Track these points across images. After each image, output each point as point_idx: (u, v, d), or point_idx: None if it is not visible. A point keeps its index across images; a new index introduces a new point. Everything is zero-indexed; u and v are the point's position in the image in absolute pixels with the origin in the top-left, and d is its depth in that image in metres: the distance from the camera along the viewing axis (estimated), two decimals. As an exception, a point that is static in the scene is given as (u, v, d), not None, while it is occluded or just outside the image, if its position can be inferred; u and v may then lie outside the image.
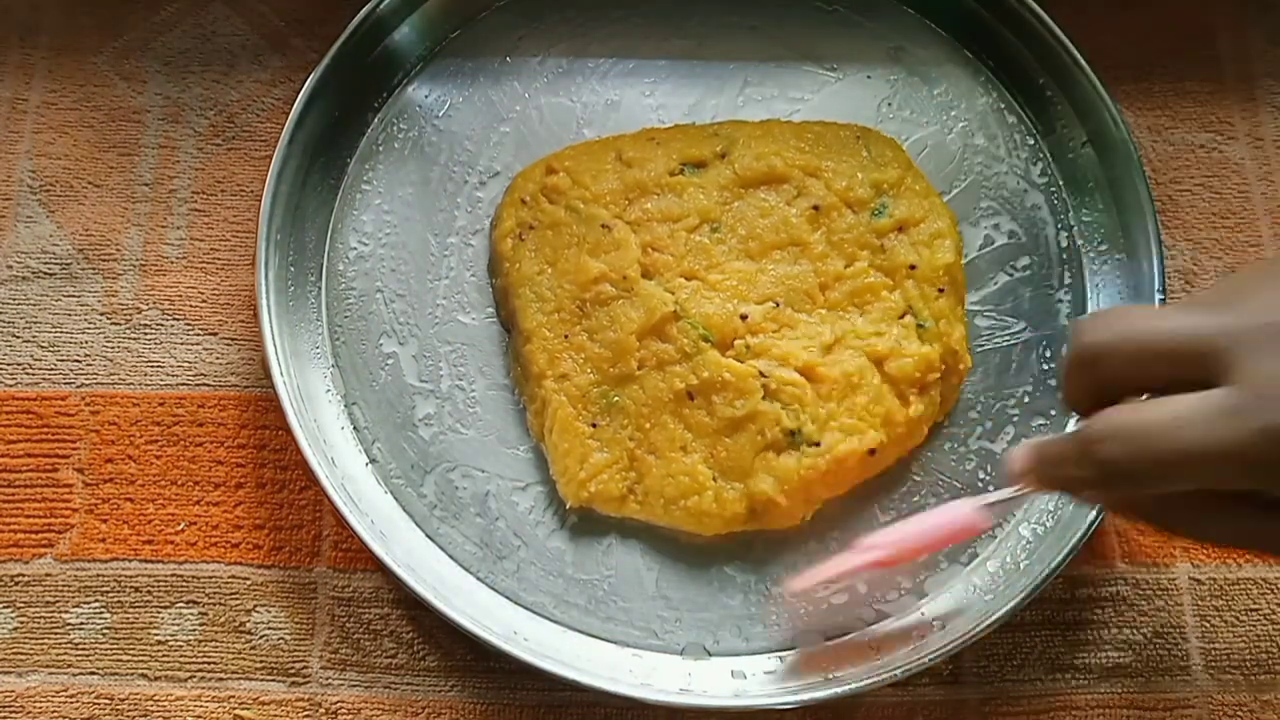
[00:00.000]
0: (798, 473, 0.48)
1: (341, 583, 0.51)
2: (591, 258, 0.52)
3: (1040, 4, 0.56)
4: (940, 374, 0.51)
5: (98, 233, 0.57)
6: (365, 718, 0.49)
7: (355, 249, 0.55)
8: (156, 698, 0.50)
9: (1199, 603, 0.51)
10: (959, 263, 0.54)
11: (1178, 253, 0.57)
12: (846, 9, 0.60)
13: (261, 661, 0.50)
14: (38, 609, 0.51)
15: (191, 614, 0.51)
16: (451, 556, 0.51)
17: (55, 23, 0.61)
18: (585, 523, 0.51)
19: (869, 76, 0.59)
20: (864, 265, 0.52)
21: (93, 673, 0.50)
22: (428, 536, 0.51)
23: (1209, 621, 0.51)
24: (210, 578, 0.52)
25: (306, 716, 0.49)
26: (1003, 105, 0.58)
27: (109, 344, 0.55)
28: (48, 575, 0.52)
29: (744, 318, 0.51)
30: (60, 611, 0.51)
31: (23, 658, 0.50)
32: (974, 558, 0.51)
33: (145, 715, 0.49)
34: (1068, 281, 0.55)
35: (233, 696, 0.50)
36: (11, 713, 0.49)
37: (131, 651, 0.50)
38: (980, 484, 0.52)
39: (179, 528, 0.52)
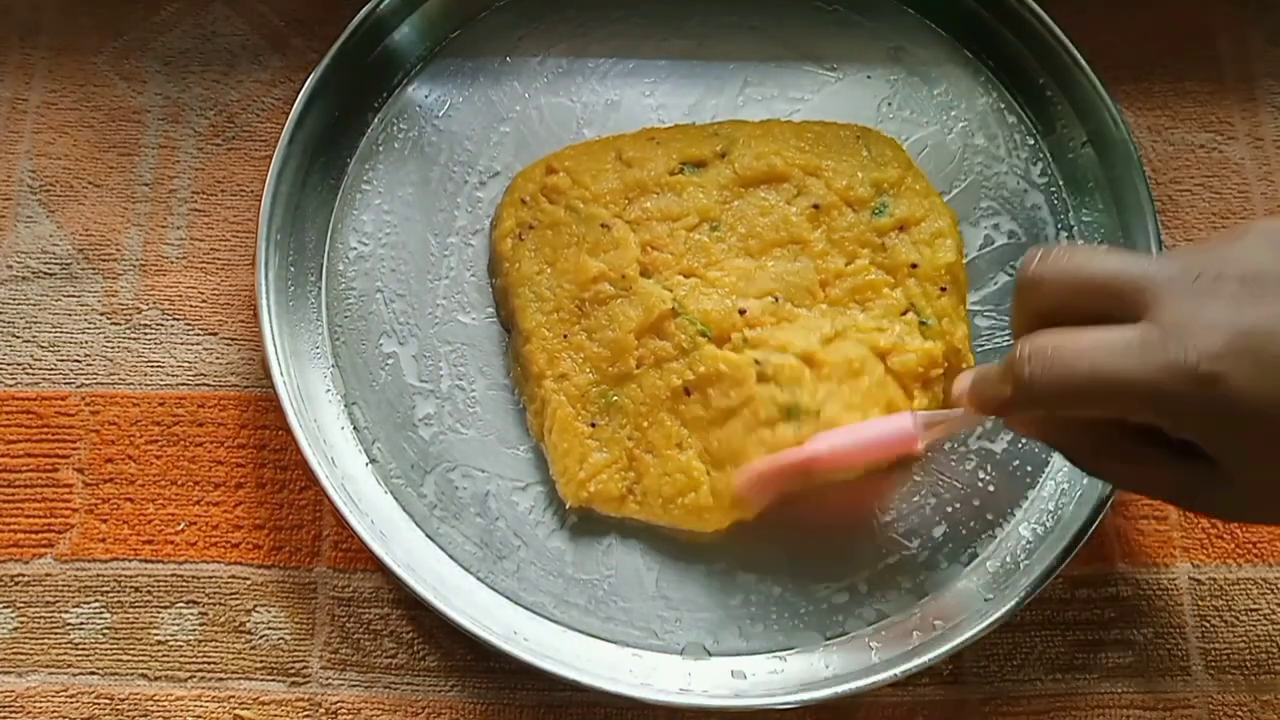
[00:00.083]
0: (796, 440, 0.48)
1: (341, 583, 0.51)
2: (591, 257, 0.52)
3: (1040, 4, 0.56)
4: (943, 372, 0.51)
5: (98, 233, 0.57)
6: (365, 718, 0.49)
7: (355, 249, 0.55)
8: (156, 698, 0.50)
9: (1199, 603, 0.51)
10: (960, 262, 0.53)
11: (1178, 253, 0.57)
12: (846, 9, 0.60)
13: (261, 661, 0.50)
14: (38, 609, 0.51)
15: (191, 614, 0.51)
16: (451, 556, 0.51)
17: (55, 23, 0.61)
18: (585, 523, 0.51)
19: (869, 76, 0.59)
20: (865, 263, 0.52)
21: (93, 673, 0.50)
22: (428, 536, 0.51)
23: (1209, 621, 0.51)
24: (210, 578, 0.52)
25: (306, 716, 0.49)
26: (1003, 105, 0.58)
27: (109, 344, 0.55)
28: (48, 575, 0.52)
29: (742, 312, 0.51)
30: (60, 611, 0.51)
31: (23, 658, 0.50)
32: (974, 558, 0.51)
33: (145, 715, 0.49)
34: (1068, 281, 0.55)
35: (233, 696, 0.50)
36: (11, 713, 0.49)
37: (131, 651, 0.50)
38: (980, 484, 0.52)
39: (179, 528, 0.52)
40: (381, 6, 0.56)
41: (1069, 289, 0.38)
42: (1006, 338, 0.54)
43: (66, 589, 0.51)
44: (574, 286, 0.52)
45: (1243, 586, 0.52)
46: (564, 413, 0.51)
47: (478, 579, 0.50)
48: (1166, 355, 0.34)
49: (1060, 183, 0.57)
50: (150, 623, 0.51)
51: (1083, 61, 0.55)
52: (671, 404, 0.50)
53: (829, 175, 0.54)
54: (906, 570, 0.50)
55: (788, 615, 0.50)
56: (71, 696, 0.50)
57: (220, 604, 0.51)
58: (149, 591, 0.51)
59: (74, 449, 0.54)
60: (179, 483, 0.53)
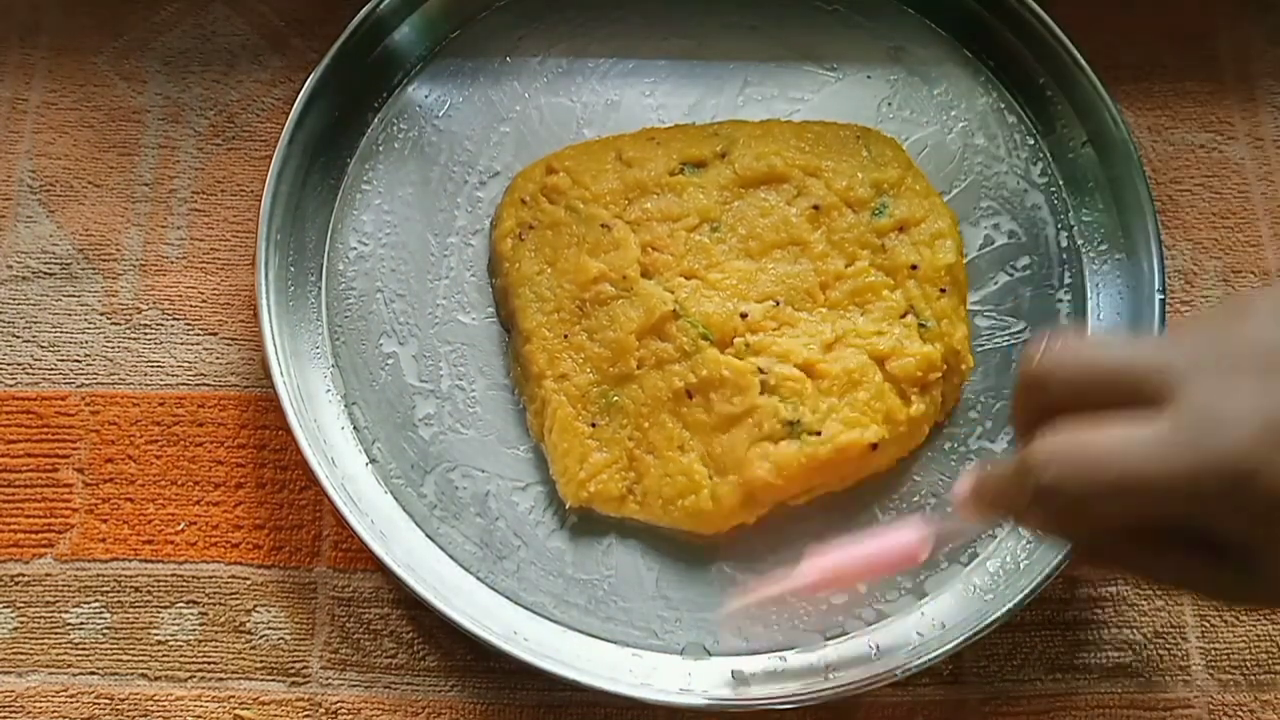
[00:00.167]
0: (798, 459, 0.48)
1: (341, 583, 0.51)
2: (591, 257, 0.52)
3: (1040, 4, 0.56)
4: (942, 374, 0.51)
5: (98, 233, 0.57)
6: (365, 718, 0.49)
7: (355, 249, 0.55)
8: (156, 698, 0.50)
9: (1199, 603, 0.51)
10: (960, 263, 0.54)
11: (1178, 253, 0.57)
12: (846, 9, 0.60)
13: (261, 661, 0.50)
14: (38, 609, 0.51)
15: (191, 614, 0.51)
16: (451, 556, 0.51)
17: (55, 23, 0.61)
18: (585, 523, 0.51)
19: (869, 76, 0.59)
20: (865, 265, 0.52)
21: (93, 673, 0.50)
22: (428, 536, 0.51)
23: (1209, 621, 0.51)
24: (210, 578, 0.52)
25: (306, 716, 0.49)
26: (1003, 105, 0.58)
27: (109, 344, 0.55)
28: (48, 575, 0.52)
29: (744, 316, 0.51)
30: (60, 611, 0.51)
31: (23, 658, 0.50)
32: (974, 558, 0.51)
33: (145, 715, 0.49)
34: (1068, 281, 0.55)
35: (233, 696, 0.50)
36: (11, 713, 0.49)
37: (131, 651, 0.50)
38: (980, 484, 0.52)
39: (179, 528, 0.52)
40: (381, 6, 0.56)
41: (1080, 384, 0.36)
42: (1007, 338, 0.54)
43: (66, 589, 0.51)
44: (574, 287, 0.52)
45: (1243, 586, 0.52)
46: (564, 413, 0.51)
47: (478, 579, 0.50)
48: (1198, 452, 0.32)
49: (1060, 183, 0.57)
50: (150, 623, 0.51)
51: (1083, 61, 0.55)
52: (673, 405, 0.50)
53: (829, 175, 0.54)
54: (906, 570, 0.50)
55: (788, 615, 0.50)
56: (71, 696, 0.50)
57: (220, 604, 0.51)
58: (149, 591, 0.51)
59: (74, 449, 0.54)
60: (179, 483, 0.53)
